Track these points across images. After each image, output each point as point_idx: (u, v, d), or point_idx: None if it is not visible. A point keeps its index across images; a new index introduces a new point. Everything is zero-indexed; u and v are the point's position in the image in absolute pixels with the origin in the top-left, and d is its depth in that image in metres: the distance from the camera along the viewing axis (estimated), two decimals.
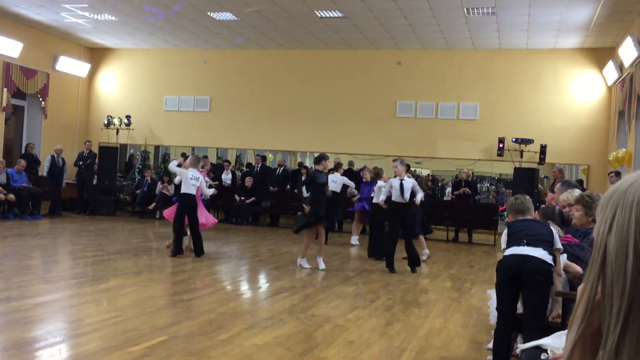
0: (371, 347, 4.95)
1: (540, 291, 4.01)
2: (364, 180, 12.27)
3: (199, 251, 9.27)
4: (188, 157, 10.72)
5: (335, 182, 10.32)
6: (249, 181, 15.37)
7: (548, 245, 4.06)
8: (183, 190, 9.20)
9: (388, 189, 9.23)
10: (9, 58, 14.96)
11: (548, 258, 4.00)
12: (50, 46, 16.38)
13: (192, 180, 9.19)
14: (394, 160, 9.51)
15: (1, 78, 14.87)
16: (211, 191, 10.23)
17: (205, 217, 9.74)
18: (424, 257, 10.26)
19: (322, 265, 8.80)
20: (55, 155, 15.30)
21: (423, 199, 9.77)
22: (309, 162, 18.52)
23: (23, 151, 15.65)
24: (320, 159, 9.03)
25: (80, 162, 15.84)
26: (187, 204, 9.15)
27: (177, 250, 9.13)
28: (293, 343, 4.91)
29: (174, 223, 9.12)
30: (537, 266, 3.96)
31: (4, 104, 15.04)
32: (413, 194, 9.24)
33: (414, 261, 9.14)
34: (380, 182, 10.36)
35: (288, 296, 6.89)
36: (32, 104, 16.42)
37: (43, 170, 15.38)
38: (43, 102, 16.26)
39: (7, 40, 14.70)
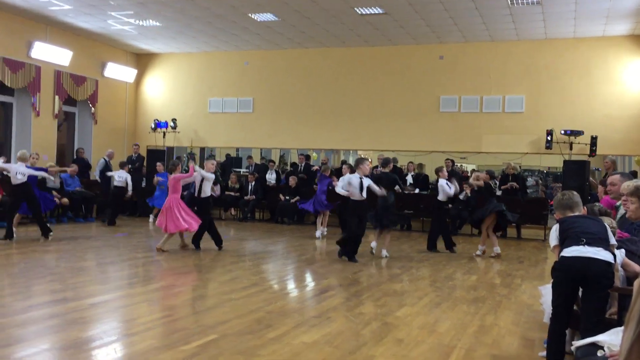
0: (420, 345, 4.91)
1: (603, 293, 3.88)
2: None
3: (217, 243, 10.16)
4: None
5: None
6: (292, 180, 15.45)
7: (605, 243, 3.93)
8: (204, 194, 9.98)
9: (345, 185, 9.51)
10: (60, 66, 15.47)
11: (611, 258, 3.87)
12: (98, 53, 16.86)
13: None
14: (362, 158, 9.94)
15: (53, 86, 15.40)
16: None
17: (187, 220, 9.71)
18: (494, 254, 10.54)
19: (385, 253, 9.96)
20: (107, 159, 15.76)
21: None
22: (352, 160, 18.51)
23: (74, 156, 16.17)
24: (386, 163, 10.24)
25: (129, 165, 16.22)
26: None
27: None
28: (341, 341, 4.92)
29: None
30: (603, 269, 3.83)
31: (56, 111, 15.56)
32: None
33: (349, 253, 9.31)
34: (442, 181, 10.73)
35: (335, 294, 6.90)
36: (82, 110, 16.95)
37: (95, 173, 15.82)
38: (93, 108, 16.76)
39: (58, 49, 15.21)
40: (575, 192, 4.36)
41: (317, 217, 13.20)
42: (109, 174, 14.59)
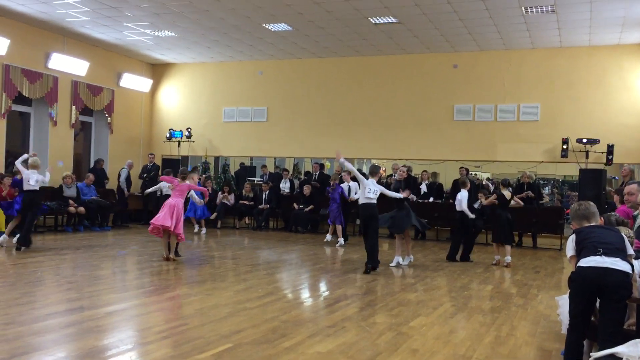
0: (435, 355, 4.88)
1: (621, 304, 3.84)
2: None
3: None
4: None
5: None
6: (307, 189, 15.46)
7: (623, 253, 3.89)
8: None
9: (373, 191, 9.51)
10: (77, 77, 15.67)
11: (628, 269, 3.83)
12: (115, 64, 17.05)
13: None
14: (376, 165, 10.11)
15: (70, 96, 15.59)
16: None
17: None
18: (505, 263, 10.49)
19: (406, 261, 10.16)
20: (128, 169, 16.04)
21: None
22: (365, 169, 18.52)
23: (92, 165, 16.34)
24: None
25: (145, 175, 16.39)
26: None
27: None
28: (356, 351, 4.90)
29: None
30: (620, 280, 3.79)
31: (73, 121, 15.74)
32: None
33: (373, 262, 9.25)
34: (463, 193, 10.80)
35: (349, 304, 6.89)
36: (98, 120, 17.13)
37: (121, 181, 16.04)
38: (109, 118, 16.93)
39: (75, 60, 15.41)
40: (591, 203, 4.32)
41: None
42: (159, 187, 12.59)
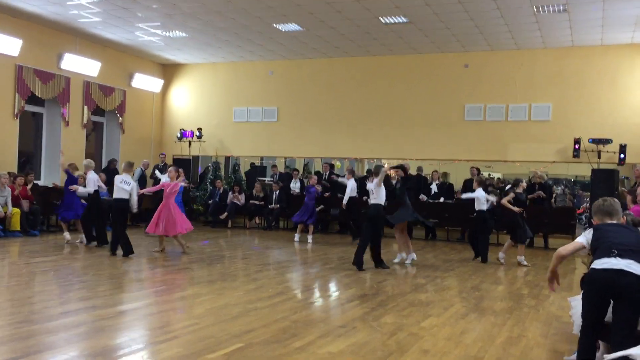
0: (447, 356, 4.86)
1: (636, 307, 3.81)
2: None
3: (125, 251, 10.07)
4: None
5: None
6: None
7: (638, 255, 3.84)
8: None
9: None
10: (89, 77, 15.77)
11: None
12: (126, 64, 17.14)
13: (123, 184, 10.26)
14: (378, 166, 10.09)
15: (82, 97, 15.69)
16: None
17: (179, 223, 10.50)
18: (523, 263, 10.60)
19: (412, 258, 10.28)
20: (143, 169, 16.12)
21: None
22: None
23: (105, 165, 16.42)
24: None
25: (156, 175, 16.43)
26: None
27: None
28: (367, 351, 4.90)
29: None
30: (634, 282, 3.75)
31: (85, 121, 15.84)
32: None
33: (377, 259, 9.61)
34: (479, 192, 10.84)
35: (360, 304, 6.88)
36: (110, 120, 17.22)
37: (134, 179, 16.14)
38: (120, 118, 17.02)
39: (87, 61, 15.51)
40: (616, 199, 4.28)
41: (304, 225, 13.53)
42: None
